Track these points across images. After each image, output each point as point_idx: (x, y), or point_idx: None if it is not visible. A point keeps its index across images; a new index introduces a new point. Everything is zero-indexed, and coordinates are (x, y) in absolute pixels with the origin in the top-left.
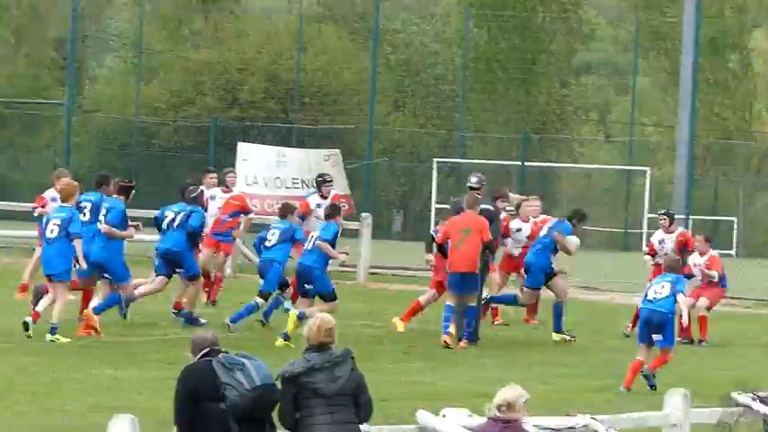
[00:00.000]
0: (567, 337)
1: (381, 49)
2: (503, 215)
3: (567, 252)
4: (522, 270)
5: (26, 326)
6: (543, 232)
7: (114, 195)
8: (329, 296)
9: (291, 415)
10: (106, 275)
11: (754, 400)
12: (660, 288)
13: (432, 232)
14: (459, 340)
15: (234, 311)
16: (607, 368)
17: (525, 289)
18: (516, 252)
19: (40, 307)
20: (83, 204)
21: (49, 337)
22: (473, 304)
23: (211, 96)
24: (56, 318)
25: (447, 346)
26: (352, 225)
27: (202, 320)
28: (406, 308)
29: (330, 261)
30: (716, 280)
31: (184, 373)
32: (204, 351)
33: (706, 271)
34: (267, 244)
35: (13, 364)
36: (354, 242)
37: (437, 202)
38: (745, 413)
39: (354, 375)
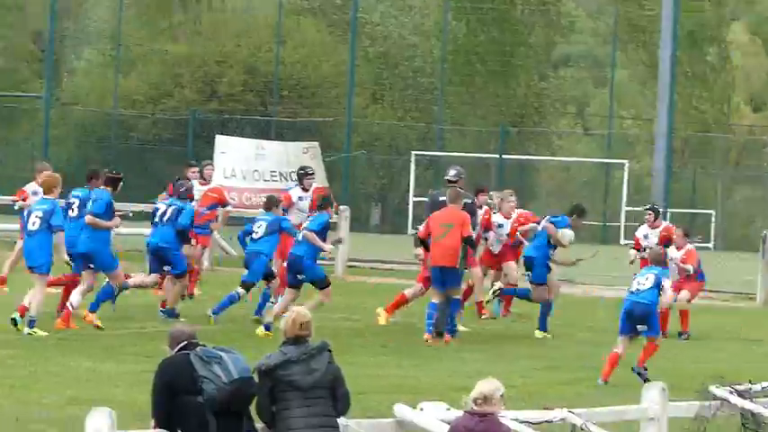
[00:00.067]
0: (549, 336)
1: (360, 42)
2: (484, 208)
3: (561, 245)
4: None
5: (14, 322)
6: (542, 226)
7: (102, 187)
8: (321, 282)
9: (268, 408)
10: (92, 266)
11: (731, 393)
12: (644, 280)
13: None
14: (441, 335)
15: (211, 304)
16: (585, 361)
17: (532, 285)
18: (496, 249)
19: (27, 301)
20: (71, 201)
21: (26, 330)
22: (457, 297)
23: (190, 89)
24: (34, 311)
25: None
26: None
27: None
28: (384, 301)
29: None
30: (691, 273)
31: (162, 366)
32: (182, 344)
33: (681, 265)
34: (254, 236)
35: None
36: (332, 235)
37: (415, 195)
38: (723, 407)
39: (331, 368)
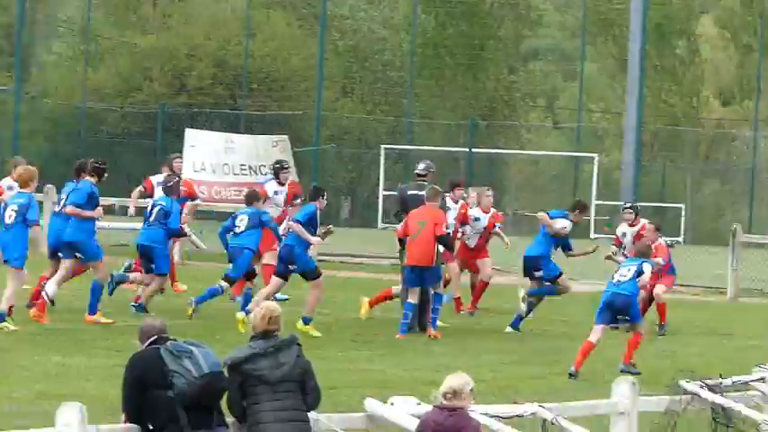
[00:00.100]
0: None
1: (329, 35)
2: (461, 202)
3: (557, 233)
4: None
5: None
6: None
7: (87, 177)
8: (312, 273)
9: (239, 403)
10: (78, 255)
11: (701, 387)
12: (626, 271)
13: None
14: (424, 329)
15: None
16: (556, 356)
17: (547, 283)
18: (472, 242)
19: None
20: (62, 196)
21: None
22: (439, 291)
23: (159, 82)
24: (4, 304)
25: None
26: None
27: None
28: (354, 295)
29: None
30: (662, 265)
31: (132, 360)
32: (152, 339)
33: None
34: (236, 230)
35: None
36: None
37: (385, 189)
38: (694, 401)
39: (300, 362)
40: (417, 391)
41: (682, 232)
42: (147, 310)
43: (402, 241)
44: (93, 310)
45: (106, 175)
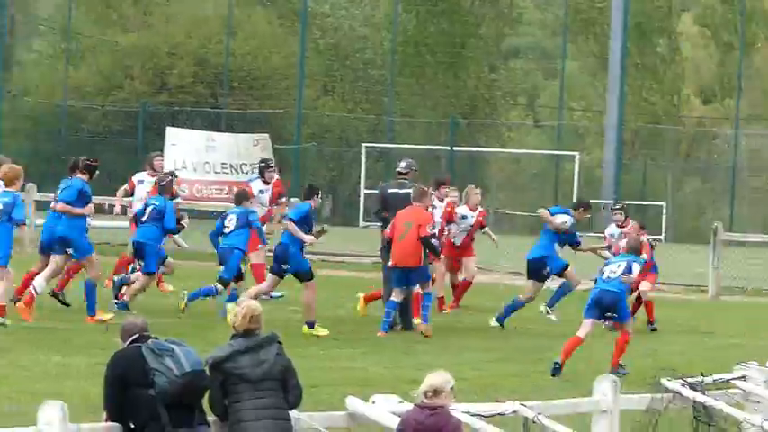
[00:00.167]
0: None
1: (310, 34)
2: (446, 201)
3: (558, 228)
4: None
5: None
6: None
7: (78, 174)
8: (306, 275)
9: (220, 401)
10: (69, 251)
11: (683, 386)
12: (616, 267)
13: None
14: (408, 328)
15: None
16: (537, 354)
17: (556, 277)
18: (458, 240)
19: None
20: (57, 193)
21: None
22: (428, 291)
23: (140, 81)
24: None
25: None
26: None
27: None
28: (334, 294)
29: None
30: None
31: (113, 358)
32: (134, 337)
33: None
34: (225, 231)
35: None
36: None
37: (366, 188)
38: (675, 399)
39: (281, 360)
40: (399, 389)
41: (663, 230)
42: (129, 308)
43: (390, 242)
44: (92, 312)
45: (98, 172)
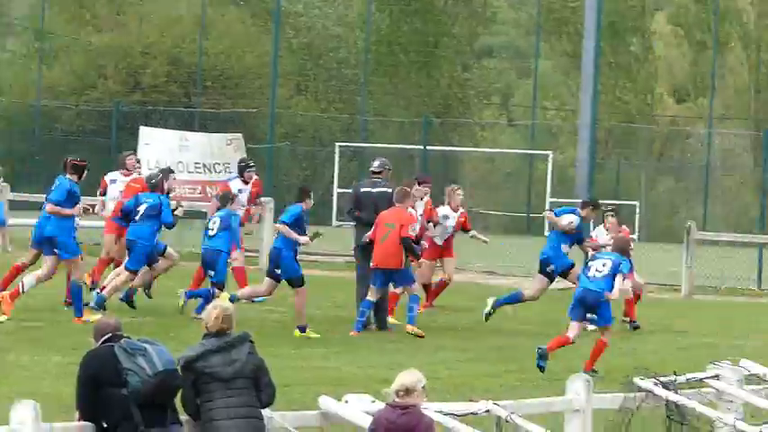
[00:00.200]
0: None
1: (283, 33)
2: (426, 198)
3: (564, 229)
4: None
5: None
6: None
7: (67, 175)
8: (297, 282)
9: (193, 401)
10: (56, 251)
11: (656, 384)
12: (601, 266)
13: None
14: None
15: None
16: (511, 353)
17: (559, 277)
18: (440, 240)
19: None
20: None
21: None
22: (415, 293)
23: (113, 80)
24: None
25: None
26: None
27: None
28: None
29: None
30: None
31: (86, 358)
32: (106, 336)
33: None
34: (210, 233)
35: None
36: (256, 227)
37: (339, 187)
38: (648, 398)
39: (252, 358)
40: (372, 388)
41: (636, 229)
42: (105, 308)
43: (370, 242)
44: (79, 313)
45: (86, 172)
